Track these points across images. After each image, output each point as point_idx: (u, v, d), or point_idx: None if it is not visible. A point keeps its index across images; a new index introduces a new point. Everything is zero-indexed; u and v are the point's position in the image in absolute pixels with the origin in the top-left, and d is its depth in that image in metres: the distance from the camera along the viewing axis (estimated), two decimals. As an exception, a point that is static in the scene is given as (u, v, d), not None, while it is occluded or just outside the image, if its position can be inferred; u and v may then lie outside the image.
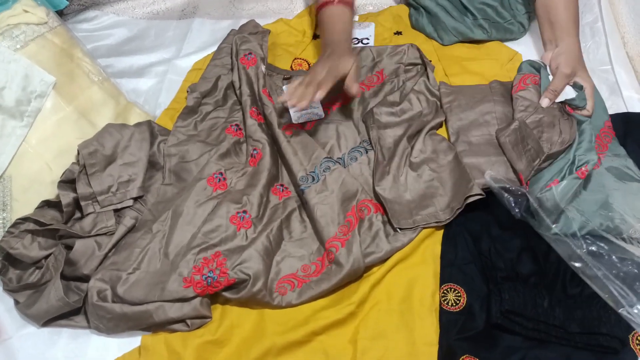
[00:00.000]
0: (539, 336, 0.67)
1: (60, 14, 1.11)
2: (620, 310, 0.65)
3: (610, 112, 0.88)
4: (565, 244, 0.69)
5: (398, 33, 1.06)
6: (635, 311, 0.65)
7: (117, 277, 0.72)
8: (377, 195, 0.79)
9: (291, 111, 0.87)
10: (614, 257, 0.68)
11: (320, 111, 0.90)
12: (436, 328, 0.69)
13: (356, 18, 1.08)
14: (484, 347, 0.67)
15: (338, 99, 0.92)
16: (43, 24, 0.86)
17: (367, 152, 0.86)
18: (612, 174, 0.78)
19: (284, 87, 0.95)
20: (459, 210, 0.77)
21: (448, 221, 0.77)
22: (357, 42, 1.03)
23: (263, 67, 0.93)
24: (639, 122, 0.86)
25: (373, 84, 0.94)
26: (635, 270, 0.67)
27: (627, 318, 0.65)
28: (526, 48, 1.02)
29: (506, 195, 0.73)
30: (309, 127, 0.89)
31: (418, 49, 0.95)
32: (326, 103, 0.91)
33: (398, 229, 0.76)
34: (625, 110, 0.90)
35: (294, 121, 0.88)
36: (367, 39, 1.04)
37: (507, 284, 0.69)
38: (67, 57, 0.88)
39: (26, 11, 0.84)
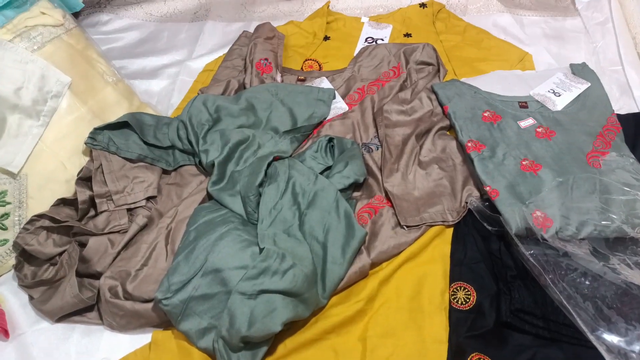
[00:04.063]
0: (548, 335, 0.66)
1: (76, 16, 1.13)
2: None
3: (622, 112, 0.88)
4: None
5: (408, 35, 1.07)
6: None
7: (126, 273, 0.72)
8: (385, 191, 0.80)
9: None
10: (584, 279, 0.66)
11: (344, 105, 0.92)
12: (446, 326, 0.69)
13: (368, 19, 1.09)
14: (494, 345, 0.66)
15: (357, 93, 0.94)
16: (59, 25, 0.87)
17: (377, 149, 0.87)
18: (612, 173, 0.76)
19: None
20: (464, 214, 0.77)
21: (454, 222, 0.77)
22: (372, 41, 1.04)
23: (279, 77, 0.94)
24: (650, 122, 0.86)
25: (390, 78, 0.95)
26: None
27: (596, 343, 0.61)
28: (537, 49, 1.02)
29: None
30: (330, 121, 0.91)
31: (434, 50, 0.96)
32: (348, 96, 0.93)
33: (405, 227, 0.76)
34: (636, 110, 0.90)
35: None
36: (382, 39, 1.05)
37: (516, 282, 0.69)
38: (83, 58, 0.89)
39: (43, 13, 0.85)
